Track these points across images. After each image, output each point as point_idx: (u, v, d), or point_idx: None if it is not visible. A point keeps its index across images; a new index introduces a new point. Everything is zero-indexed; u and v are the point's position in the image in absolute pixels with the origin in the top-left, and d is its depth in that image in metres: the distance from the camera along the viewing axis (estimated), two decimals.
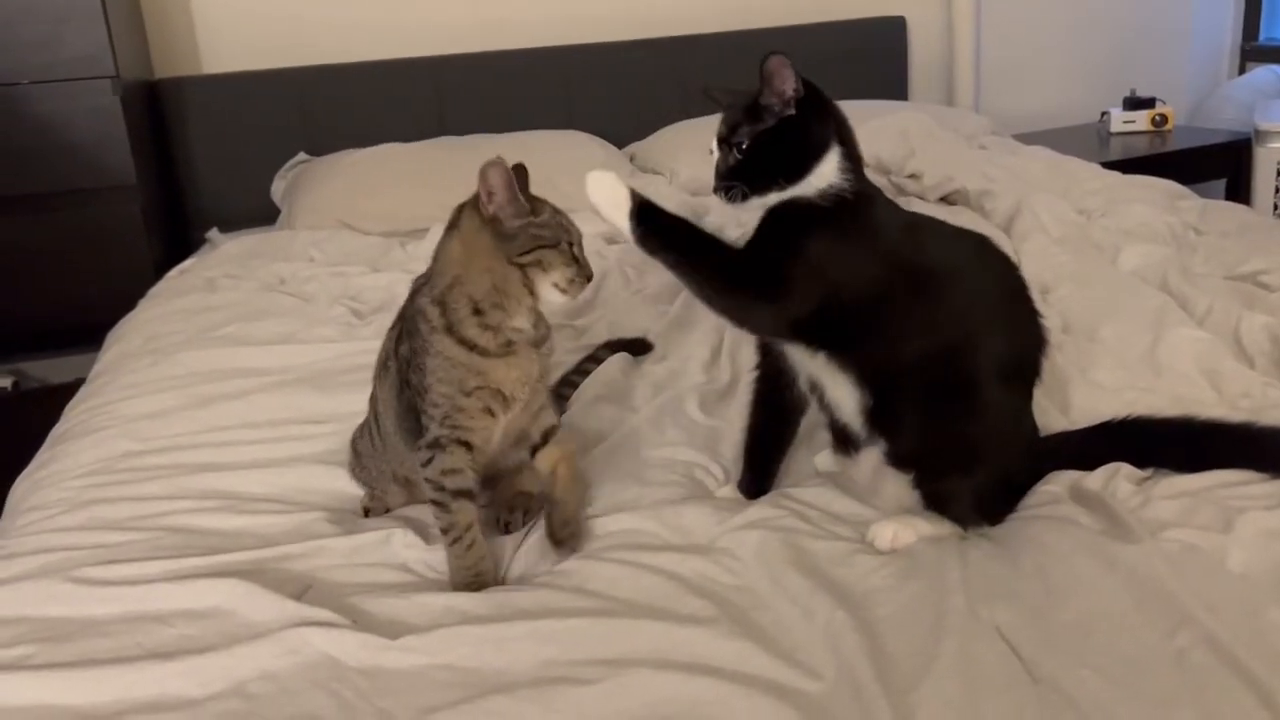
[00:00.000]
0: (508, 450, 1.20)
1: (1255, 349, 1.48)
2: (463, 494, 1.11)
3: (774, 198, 1.09)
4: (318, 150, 2.91)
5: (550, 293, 1.11)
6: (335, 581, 1.09)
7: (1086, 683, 0.86)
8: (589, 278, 1.14)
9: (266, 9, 2.96)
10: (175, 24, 2.92)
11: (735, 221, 1.13)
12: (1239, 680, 0.84)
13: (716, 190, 1.12)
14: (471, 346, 1.10)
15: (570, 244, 1.12)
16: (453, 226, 1.13)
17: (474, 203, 1.10)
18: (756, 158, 1.09)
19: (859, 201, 1.10)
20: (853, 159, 1.11)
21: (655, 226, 1.10)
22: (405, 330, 1.16)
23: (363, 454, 1.27)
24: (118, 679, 0.94)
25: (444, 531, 1.11)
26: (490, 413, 1.12)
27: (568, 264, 1.11)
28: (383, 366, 1.22)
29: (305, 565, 1.12)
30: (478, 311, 1.10)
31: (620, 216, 1.10)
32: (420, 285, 1.16)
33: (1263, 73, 3.59)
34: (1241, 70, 3.79)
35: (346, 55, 2.98)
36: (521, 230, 1.09)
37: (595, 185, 1.11)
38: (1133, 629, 0.92)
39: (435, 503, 1.11)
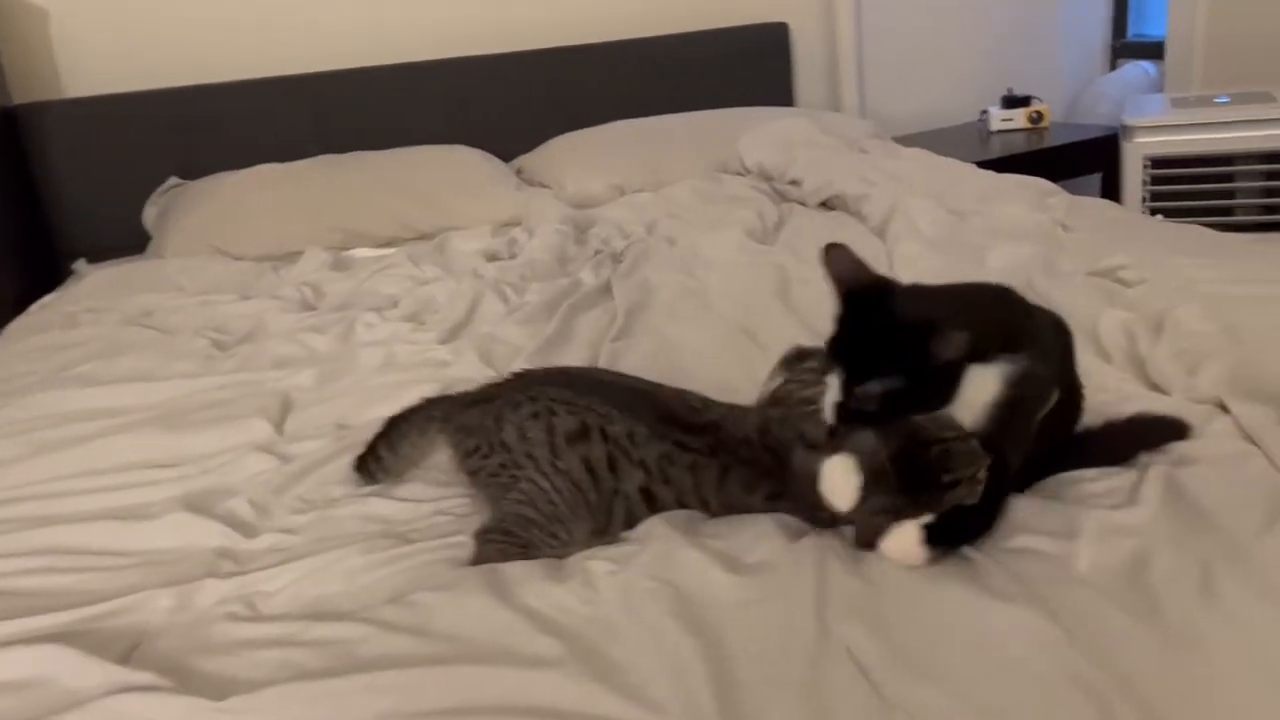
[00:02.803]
0: None
1: (1112, 345, 1.51)
2: None
3: None
4: (191, 174, 2.82)
5: None
6: (166, 639, 1.03)
7: (930, 699, 0.85)
8: None
9: (131, 28, 2.86)
10: (32, 47, 2.80)
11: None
12: (1078, 689, 0.84)
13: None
14: None
15: None
16: None
17: None
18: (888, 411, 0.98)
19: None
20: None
21: None
22: None
23: None
24: None
25: None
26: None
27: None
28: None
29: (134, 622, 1.05)
30: None
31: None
32: None
33: (1132, 69, 3.71)
34: (1113, 67, 3.91)
35: (219, 75, 2.90)
36: None
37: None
38: (977, 640, 0.91)
39: None
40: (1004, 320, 1.05)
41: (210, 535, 1.23)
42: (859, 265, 1.04)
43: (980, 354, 0.97)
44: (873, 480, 0.98)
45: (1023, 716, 0.83)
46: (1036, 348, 1.04)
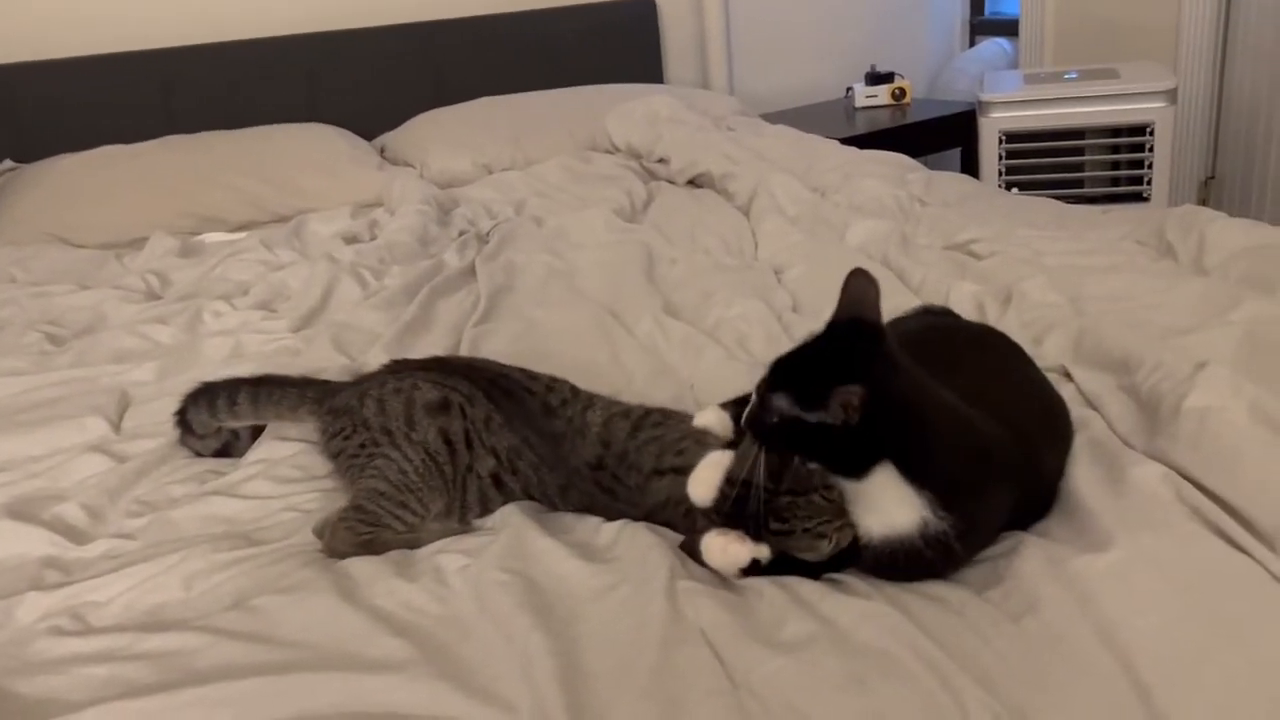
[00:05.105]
0: None
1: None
2: None
3: None
4: (27, 156, 2.66)
5: None
6: None
7: (777, 670, 0.85)
8: None
9: None
10: None
11: None
12: (920, 662, 0.85)
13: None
14: None
15: None
16: None
17: None
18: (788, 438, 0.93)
19: None
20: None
21: None
22: None
23: None
24: None
25: None
26: None
27: None
28: None
29: None
30: None
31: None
32: None
33: (991, 45, 3.82)
34: (972, 43, 4.02)
35: (58, 50, 2.72)
36: None
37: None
38: (827, 618, 0.92)
39: None
40: (972, 456, 0.95)
41: (35, 544, 1.15)
42: (865, 301, 0.97)
43: (916, 472, 0.91)
44: (727, 489, 0.97)
45: (866, 686, 0.83)
46: (981, 508, 0.96)
